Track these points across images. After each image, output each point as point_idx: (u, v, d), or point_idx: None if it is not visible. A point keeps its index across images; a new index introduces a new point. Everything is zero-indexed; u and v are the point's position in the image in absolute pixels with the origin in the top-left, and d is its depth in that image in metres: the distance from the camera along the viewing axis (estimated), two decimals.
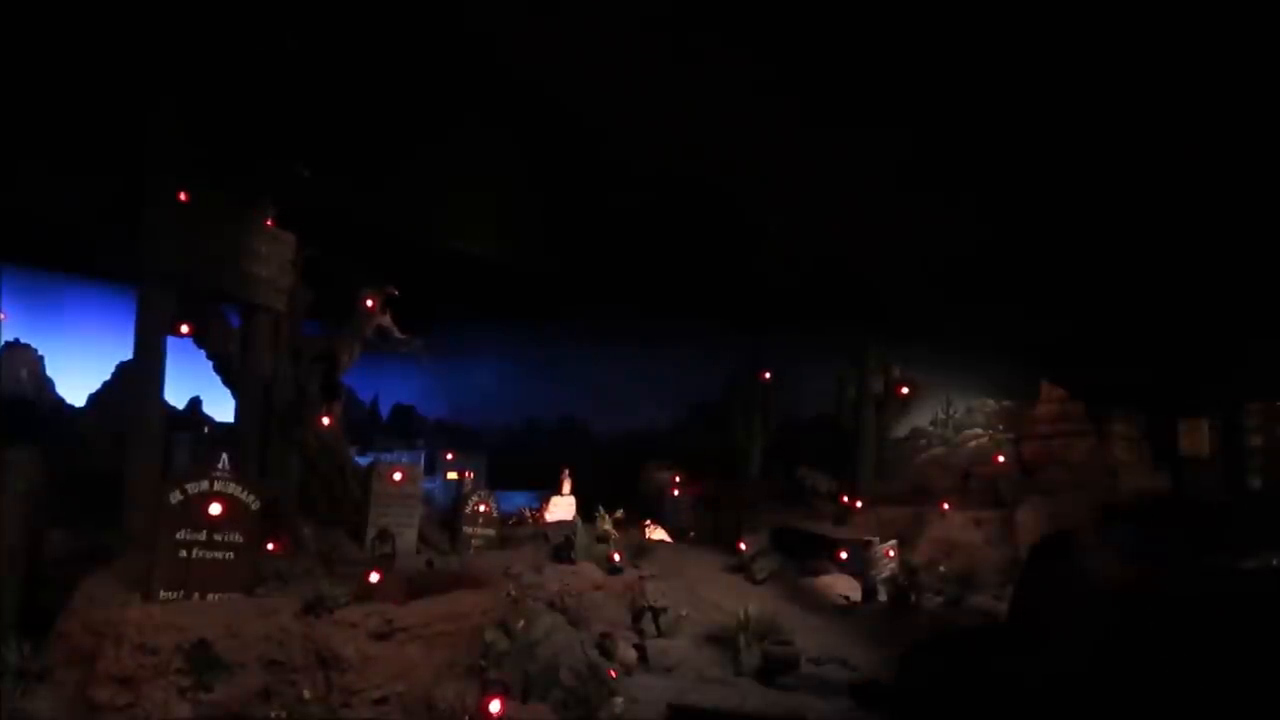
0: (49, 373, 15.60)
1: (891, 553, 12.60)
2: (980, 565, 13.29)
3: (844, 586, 12.44)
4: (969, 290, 14.10)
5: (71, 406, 14.97)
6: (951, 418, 17.54)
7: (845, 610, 11.74)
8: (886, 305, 15.11)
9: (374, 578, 7.79)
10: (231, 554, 7.26)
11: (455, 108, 11.59)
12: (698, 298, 16.48)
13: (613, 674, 8.31)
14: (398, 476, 10.85)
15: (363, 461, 11.97)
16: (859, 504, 14.96)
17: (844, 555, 13.04)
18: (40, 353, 15.62)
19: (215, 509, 7.20)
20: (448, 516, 11.93)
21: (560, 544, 10.96)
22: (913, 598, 11.62)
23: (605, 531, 11.30)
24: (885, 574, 12.26)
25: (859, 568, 12.55)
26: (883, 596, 11.97)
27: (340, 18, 9.55)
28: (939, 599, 12.08)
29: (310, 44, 9.70)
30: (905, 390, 17.11)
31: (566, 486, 14.00)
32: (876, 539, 12.81)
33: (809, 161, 11.13)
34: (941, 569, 13.04)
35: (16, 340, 15.36)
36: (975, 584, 12.52)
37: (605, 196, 13.39)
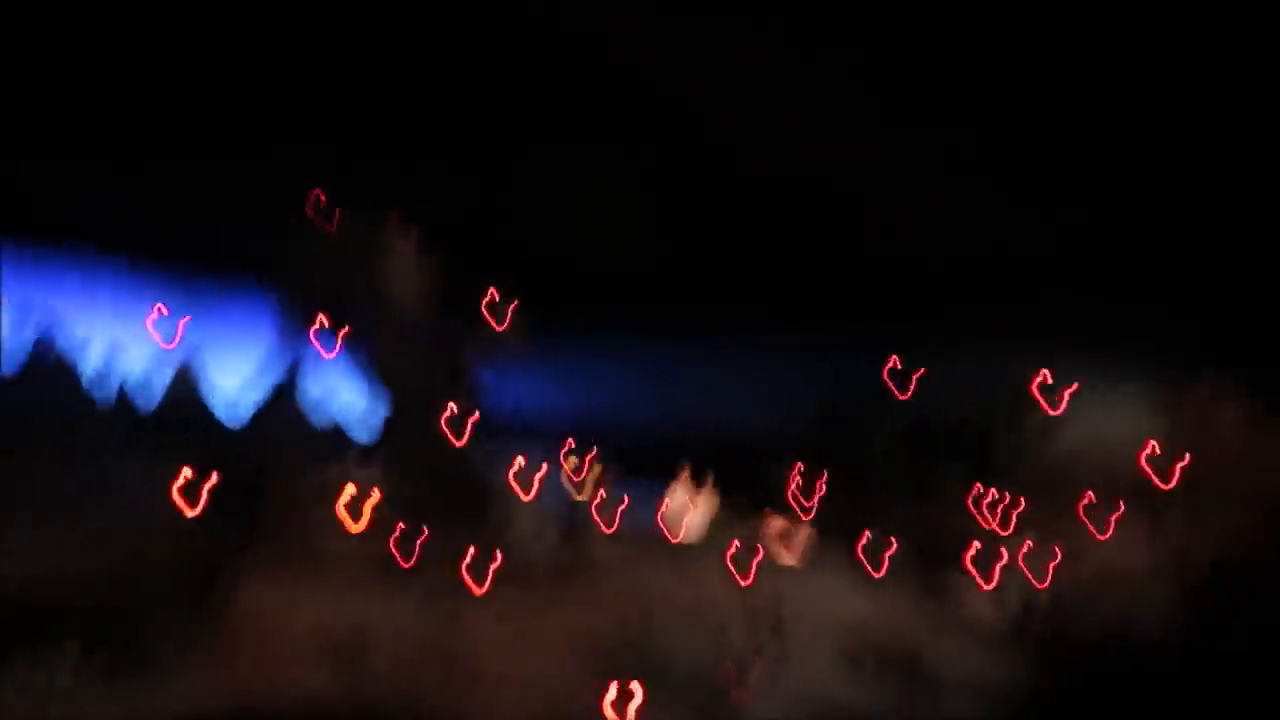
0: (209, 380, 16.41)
1: (1043, 562, 12.15)
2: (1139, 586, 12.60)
3: (974, 589, 12.08)
4: (1122, 283, 13.42)
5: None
6: (1110, 418, 16.70)
7: (974, 614, 11.42)
8: (1031, 302, 14.53)
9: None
10: None
11: (582, 114, 11.72)
12: (828, 296, 16.21)
13: (732, 670, 8.25)
14: (520, 474, 11.08)
15: (483, 459, 12.24)
16: (1003, 509, 14.44)
17: (982, 560, 12.62)
18: (204, 360, 16.44)
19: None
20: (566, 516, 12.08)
21: (680, 539, 10.97)
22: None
23: (727, 527, 11.27)
24: (1017, 579, 11.84)
25: (990, 571, 12.15)
26: (1015, 602, 11.58)
27: (462, 30, 9.80)
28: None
29: (440, 59, 10.01)
30: (1054, 391, 16.40)
31: (693, 487, 13.91)
32: (1022, 544, 12.38)
33: (942, 156, 10.77)
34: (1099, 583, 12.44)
35: (191, 346, 16.25)
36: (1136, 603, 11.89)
37: (731, 196, 13.31)
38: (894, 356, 16.31)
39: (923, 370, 16.02)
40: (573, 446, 13.18)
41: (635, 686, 7.31)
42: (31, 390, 12.75)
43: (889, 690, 8.75)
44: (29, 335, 14.06)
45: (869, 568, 11.97)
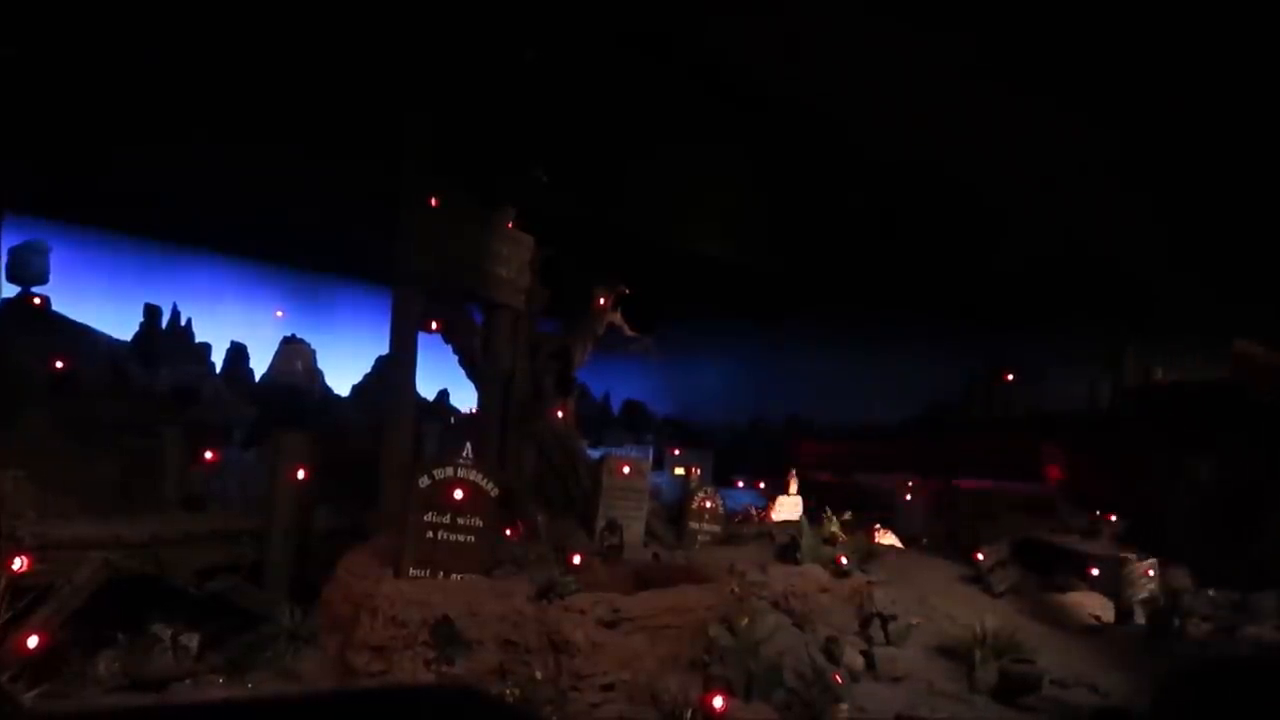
0: (320, 365, 17.16)
1: (1151, 571, 11.51)
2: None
3: (1094, 606, 11.49)
4: (1246, 285, 12.71)
5: (337, 396, 16.41)
6: None
7: (1095, 631, 10.84)
8: (1149, 300, 13.85)
9: (575, 559, 8.17)
10: (472, 537, 7.68)
11: (685, 110, 11.76)
12: (932, 293, 15.81)
13: (838, 679, 8.09)
14: (625, 470, 11.08)
15: (594, 454, 12.33)
16: (1113, 517, 13.78)
17: (1095, 572, 12.02)
18: (313, 347, 17.20)
19: (458, 494, 7.63)
20: (674, 511, 12.07)
21: (786, 544, 10.82)
22: (1175, 622, 10.54)
23: (832, 533, 11.04)
24: (1143, 594, 11.20)
25: (1112, 586, 11.53)
26: (1139, 619, 10.95)
27: (574, 28, 9.93)
28: (1207, 625, 10.88)
29: (547, 55, 10.16)
30: None
31: (793, 486, 13.82)
32: (1133, 555, 11.74)
33: (1056, 146, 10.39)
34: (1211, 593, 11.74)
35: (293, 335, 17.02)
36: (1255, 612, 11.17)
37: (835, 192, 13.13)
38: (1008, 364, 15.74)
39: (1037, 376, 15.41)
40: (677, 447, 13.16)
41: (732, 687, 7.18)
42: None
43: None
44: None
45: (982, 583, 11.53)
